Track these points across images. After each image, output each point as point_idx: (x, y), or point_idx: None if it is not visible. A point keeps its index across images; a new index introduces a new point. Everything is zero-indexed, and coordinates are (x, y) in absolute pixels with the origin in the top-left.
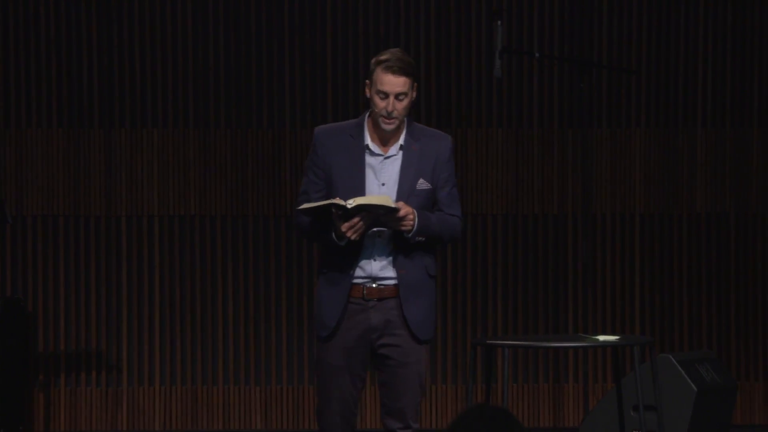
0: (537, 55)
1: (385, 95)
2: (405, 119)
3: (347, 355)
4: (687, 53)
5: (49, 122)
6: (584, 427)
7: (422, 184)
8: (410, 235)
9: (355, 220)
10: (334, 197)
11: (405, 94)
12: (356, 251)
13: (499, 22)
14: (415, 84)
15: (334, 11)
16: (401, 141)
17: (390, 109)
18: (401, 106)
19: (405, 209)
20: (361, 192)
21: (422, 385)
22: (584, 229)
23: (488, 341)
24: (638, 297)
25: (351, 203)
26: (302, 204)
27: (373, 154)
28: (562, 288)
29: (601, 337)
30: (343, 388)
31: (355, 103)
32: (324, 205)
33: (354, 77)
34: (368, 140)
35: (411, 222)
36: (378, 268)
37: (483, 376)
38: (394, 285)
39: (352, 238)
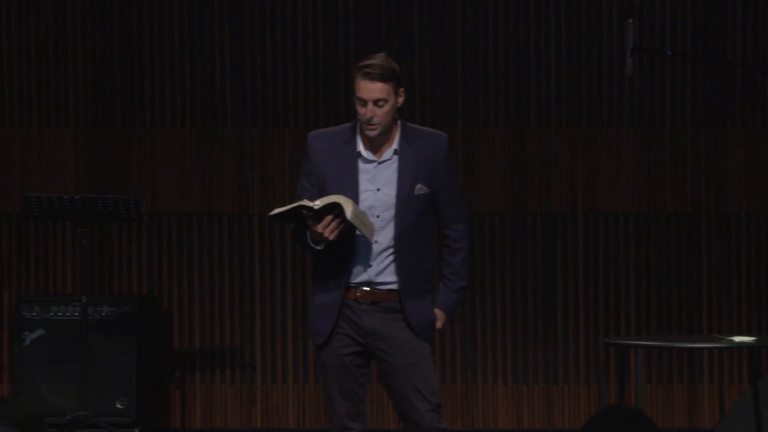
0: (669, 53)
1: (364, 102)
2: (398, 121)
3: (345, 354)
4: None
5: (182, 122)
6: (720, 429)
7: (420, 189)
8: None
9: (327, 219)
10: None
11: (384, 100)
12: (349, 257)
13: (630, 20)
14: (401, 89)
15: (465, 11)
16: (395, 145)
17: (369, 115)
18: (381, 112)
19: (440, 321)
20: (355, 197)
21: (431, 386)
22: (718, 229)
23: (621, 341)
24: None
25: (318, 203)
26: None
27: (366, 160)
28: (696, 288)
29: (737, 338)
30: (348, 389)
31: (485, 101)
32: (294, 209)
33: (483, 76)
34: (360, 147)
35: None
36: (374, 274)
37: (616, 377)
38: (389, 290)
39: (330, 238)
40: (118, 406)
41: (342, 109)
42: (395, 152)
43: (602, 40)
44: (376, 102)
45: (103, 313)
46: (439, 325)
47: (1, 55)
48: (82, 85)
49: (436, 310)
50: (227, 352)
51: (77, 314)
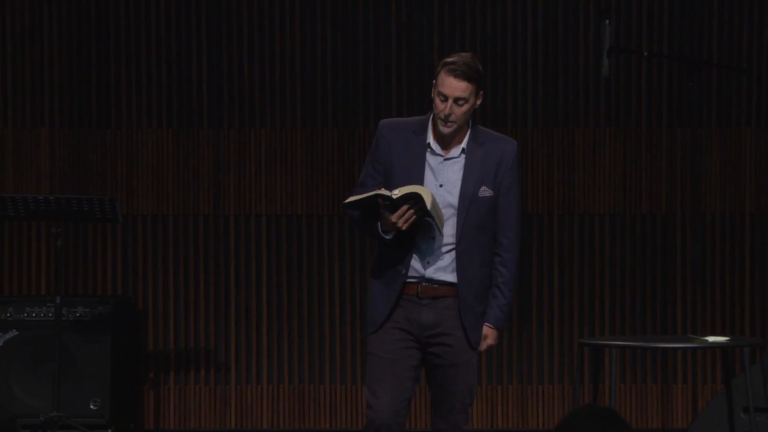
0: (645, 53)
1: (445, 98)
2: (469, 122)
3: (396, 350)
4: None
5: (158, 123)
6: (693, 428)
7: (484, 191)
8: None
9: (404, 208)
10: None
11: (465, 99)
12: (410, 250)
13: (607, 21)
14: (480, 92)
15: (441, 11)
16: (463, 144)
17: (447, 112)
18: (460, 111)
19: (485, 344)
20: None
21: (472, 388)
22: (693, 229)
23: (596, 341)
24: (748, 297)
25: (396, 193)
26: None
27: (434, 153)
28: (670, 288)
29: (711, 338)
30: (392, 383)
31: None
32: (370, 197)
33: None
34: (430, 139)
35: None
36: (432, 271)
37: (590, 377)
38: (450, 285)
39: (403, 227)
40: (92, 407)
41: (319, 109)
42: (463, 151)
43: (579, 40)
44: (456, 100)
45: (78, 314)
46: (490, 341)
47: None
48: (58, 86)
49: (486, 327)
50: (201, 353)
51: (51, 315)
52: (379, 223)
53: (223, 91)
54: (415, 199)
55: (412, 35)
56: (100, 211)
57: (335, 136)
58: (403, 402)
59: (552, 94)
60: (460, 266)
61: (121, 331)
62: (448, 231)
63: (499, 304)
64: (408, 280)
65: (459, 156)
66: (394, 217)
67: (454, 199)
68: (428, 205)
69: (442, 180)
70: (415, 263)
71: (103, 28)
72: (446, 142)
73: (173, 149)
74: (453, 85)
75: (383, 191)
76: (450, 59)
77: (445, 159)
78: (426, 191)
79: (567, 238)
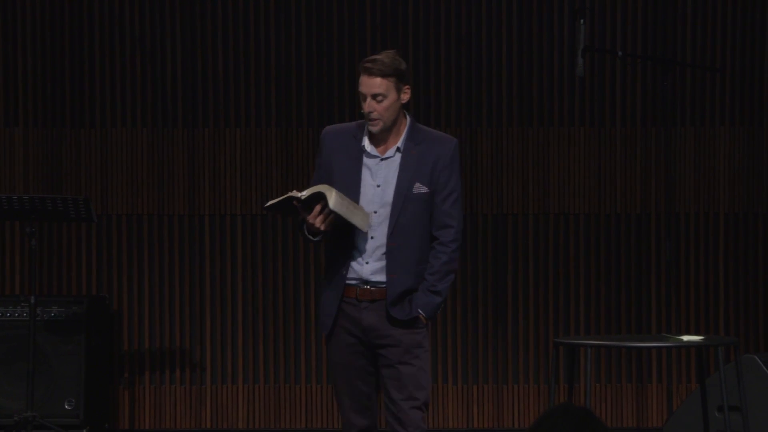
0: (620, 53)
1: (364, 96)
2: (408, 121)
3: (349, 353)
4: None
5: (133, 122)
6: (668, 427)
7: (419, 188)
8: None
9: (317, 208)
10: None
11: (383, 95)
12: (349, 250)
13: (581, 21)
14: (404, 87)
15: (416, 10)
16: (399, 143)
17: (367, 109)
18: (381, 107)
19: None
20: (356, 192)
21: (423, 384)
22: (668, 229)
23: (571, 341)
24: (722, 297)
25: (304, 194)
26: None
27: (369, 155)
28: (645, 288)
29: (685, 337)
30: (352, 385)
31: (437, 102)
32: (286, 199)
33: (435, 76)
34: (366, 141)
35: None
36: (369, 272)
37: (565, 376)
38: (386, 288)
39: (322, 228)
40: (67, 407)
41: (294, 108)
42: (398, 150)
43: (553, 40)
44: (374, 96)
45: (52, 314)
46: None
47: None
48: (32, 85)
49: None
50: (176, 353)
51: (26, 315)
52: (305, 227)
53: (197, 91)
54: (325, 199)
55: (386, 35)
56: (74, 210)
57: (310, 135)
58: (366, 402)
59: (527, 94)
60: (390, 263)
61: (96, 330)
62: (385, 230)
63: (423, 289)
64: (348, 281)
65: (394, 155)
66: (310, 218)
67: (390, 198)
68: (330, 204)
69: (379, 180)
70: (354, 264)
71: (77, 28)
72: (381, 143)
73: (148, 149)
74: (367, 83)
75: (294, 193)
76: (366, 59)
77: (382, 159)
78: (329, 189)
79: (542, 238)
